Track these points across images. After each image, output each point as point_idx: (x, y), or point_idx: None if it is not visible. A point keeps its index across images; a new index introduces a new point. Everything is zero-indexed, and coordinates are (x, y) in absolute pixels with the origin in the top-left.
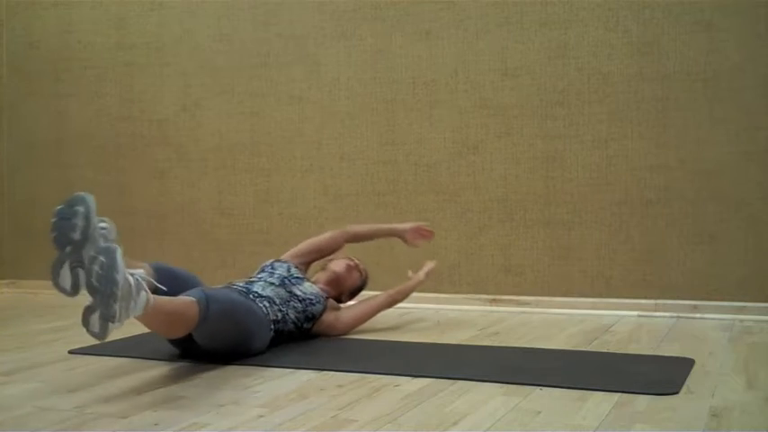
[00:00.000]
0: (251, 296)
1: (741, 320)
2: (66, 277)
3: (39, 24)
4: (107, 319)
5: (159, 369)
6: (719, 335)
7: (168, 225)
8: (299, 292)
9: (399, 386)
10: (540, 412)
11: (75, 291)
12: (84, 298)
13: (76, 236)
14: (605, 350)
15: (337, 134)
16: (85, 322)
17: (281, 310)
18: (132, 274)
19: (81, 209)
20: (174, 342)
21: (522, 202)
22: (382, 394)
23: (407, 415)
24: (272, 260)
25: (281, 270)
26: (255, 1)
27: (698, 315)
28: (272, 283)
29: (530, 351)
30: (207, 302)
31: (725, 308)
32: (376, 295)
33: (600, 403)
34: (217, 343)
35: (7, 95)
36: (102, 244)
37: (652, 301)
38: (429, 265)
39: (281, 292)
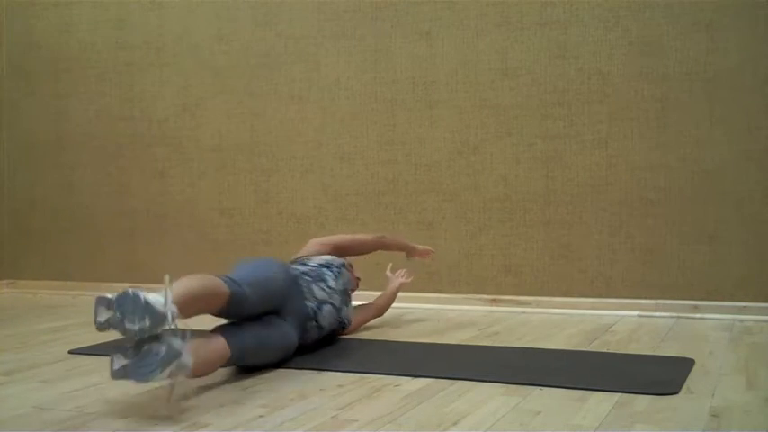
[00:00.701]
0: (313, 322)
1: (741, 320)
2: (102, 314)
3: (39, 24)
4: (128, 376)
5: None
6: (719, 335)
7: (168, 225)
8: (343, 314)
9: (399, 386)
10: (540, 412)
11: (101, 329)
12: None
13: (128, 325)
14: (605, 350)
15: (337, 134)
16: (112, 354)
17: (323, 333)
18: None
19: (147, 324)
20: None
21: (522, 202)
22: (382, 394)
23: (407, 415)
24: (340, 260)
25: (344, 280)
26: (255, 1)
27: (698, 315)
28: (337, 308)
29: (530, 351)
30: (240, 356)
31: (725, 308)
32: (370, 303)
33: (600, 403)
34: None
35: (7, 95)
36: (176, 344)
37: (652, 301)
38: (404, 278)
39: (338, 315)
